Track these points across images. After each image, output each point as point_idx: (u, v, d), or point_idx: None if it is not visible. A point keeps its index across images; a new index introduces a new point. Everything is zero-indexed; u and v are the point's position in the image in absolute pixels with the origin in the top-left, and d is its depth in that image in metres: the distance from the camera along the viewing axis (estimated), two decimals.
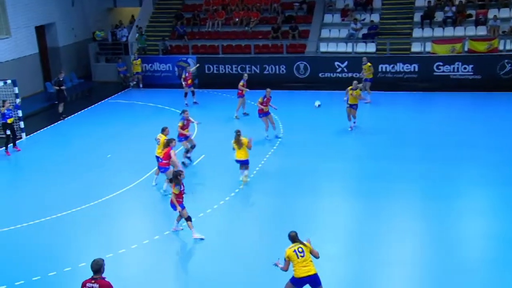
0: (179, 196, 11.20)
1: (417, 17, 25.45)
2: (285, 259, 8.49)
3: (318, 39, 25.83)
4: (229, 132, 15.39)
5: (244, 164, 13.89)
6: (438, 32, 24.66)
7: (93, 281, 7.61)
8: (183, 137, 15.16)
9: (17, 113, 17.96)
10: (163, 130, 13.88)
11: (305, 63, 24.76)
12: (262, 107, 17.00)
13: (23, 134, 18.41)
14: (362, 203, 12.85)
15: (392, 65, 23.85)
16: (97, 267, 7.67)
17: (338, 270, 10.16)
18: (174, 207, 11.32)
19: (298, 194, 13.43)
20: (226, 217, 12.54)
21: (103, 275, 7.66)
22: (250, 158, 13.98)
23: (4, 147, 16.71)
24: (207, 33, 27.33)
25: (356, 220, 12.16)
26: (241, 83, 19.36)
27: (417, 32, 24.94)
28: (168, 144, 13.08)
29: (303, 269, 8.31)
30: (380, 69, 23.89)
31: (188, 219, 11.29)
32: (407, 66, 23.71)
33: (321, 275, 8.55)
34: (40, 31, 25.34)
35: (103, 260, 7.74)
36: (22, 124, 18.34)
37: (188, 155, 15.17)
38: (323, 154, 16.04)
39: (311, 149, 16.48)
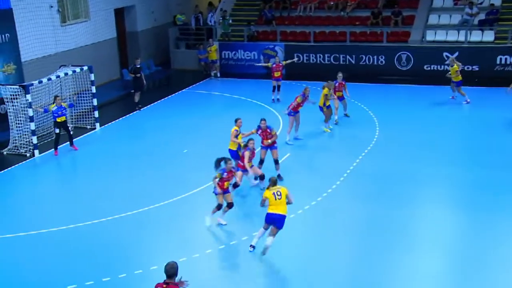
0: (221, 181, 12.00)
1: None
2: (263, 198, 10.95)
3: (425, 26, 25.00)
4: (317, 131, 15.24)
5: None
6: None
7: (165, 286, 7.80)
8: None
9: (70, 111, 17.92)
10: (236, 121, 14.05)
11: (408, 53, 24.07)
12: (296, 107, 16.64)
13: (97, 125, 19.28)
14: (469, 216, 12.39)
15: None
16: (172, 271, 7.83)
17: None
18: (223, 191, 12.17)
19: (393, 201, 13.16)
20: (312, 223, 12.50)
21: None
22: (345, 157, 13.63)
23: (68, 143, 17.16)
24: (298, 18, 27.28)
25: (461, 236, 11.73)
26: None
27: None
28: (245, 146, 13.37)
29: (275, 207, 10.78)
30: (498, 61, 22.70)
31: (219, 207, 12.15)
32: None
33: None
34: (119, 14, 26.47)
35: (177, 264, 7.90)
36: (96, 114, 19.21)
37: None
38: (425, 157, 15.63)
39: (411, 151, 16.11)
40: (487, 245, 11.20)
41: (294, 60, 23.24)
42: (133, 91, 21.47)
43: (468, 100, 20.10)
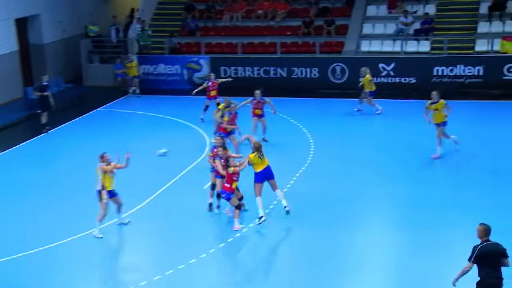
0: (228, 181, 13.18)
1: (483, 8, 25.18)
2: (248, 162, 13.15)
3: (359, 36, 25.70)
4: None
5: None
6: (509, 26, 24.33)
7: None
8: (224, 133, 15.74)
9: None
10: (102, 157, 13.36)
11: (342, 65, 24.62)
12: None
13: None
14: (408, 235, 12.76)
15: (450, 68, 23.55)
16: None
17: None
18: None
19: (334, 223, 13.35)
20: (244, 251, 12.56)
21: None
22: (278, 178, 13.79)
23: None
24: (224, 28, 27.43)
25: (402, 255, 12.03)
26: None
27: (483, 27, 24.64)
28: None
29: (261, 166, 13.19)
30: (435, 73, 23.62)
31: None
32: (470, 69, 23.40)
33: None
34: (21, 24, 25.71)
35: None
36: None
37: None
38: (362, 175, 15.95)
39: (348, 169, 16.40)
40: (429, 263, 11.50)
41: (229, 79, 22.42)
42: (39, 111, 20.84)
43: (380, 110, 20.86)
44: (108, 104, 24.13)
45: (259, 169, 13.30)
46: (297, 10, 27.43)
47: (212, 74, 21.84)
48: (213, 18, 27.90)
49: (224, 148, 13.64)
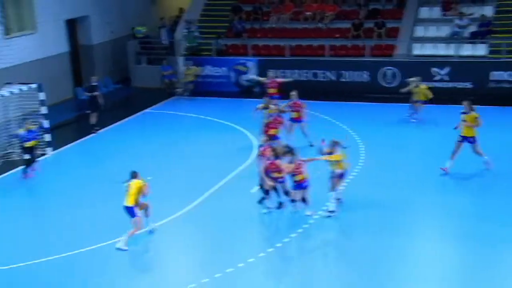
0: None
1: None
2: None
3: (411, 38, 25.48)
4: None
5: None
6: None
7: None
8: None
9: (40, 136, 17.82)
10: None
11: (393, 69, 24.47)
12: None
13: (49, 150, 19.04)
14: (471, 249, 12.55)
15: (509, 72, 23.22)
16: None
17: None
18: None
19: (384, 231, 13.28)
20: (297, 256, 12.71)
21: None
22: (322, 186, 13.82)
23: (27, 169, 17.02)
24: (271, 30, 27.55)
25: (462, 270, 11.86)
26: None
27: None
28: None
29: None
30: (492, 77, 23.27)
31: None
32: None
33: None
34: (72, 26, 26.37)
35: None
36: (48, 138, 18.98)
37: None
38: (417, 183, 15.83)
39: (399, 176, 16.29)
40: (488, 281, 11.34)
41: (290, 79, 22.50)
42: (89, 112, 21.32)
43: (417, 120, 20.68)
44: (155, 106, 24.52)
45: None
46: (346, 12, 27.33)
47: (271, 72, 21.91)
48: (260, 19, 28.04)
49: (275, 154, 13.89)
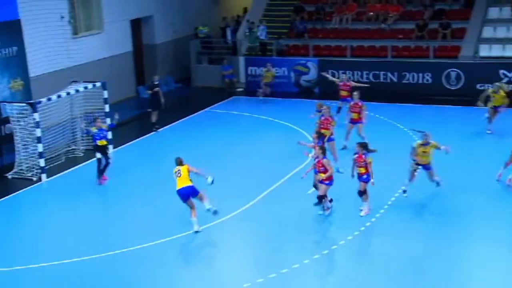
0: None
1: None
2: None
3: (478, 40, 25.05)
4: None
5: None
6: None
7: None
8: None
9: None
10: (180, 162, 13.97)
11: (458, 71, 24.09)
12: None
13: (110, 147, 19.62)
14: None
15: None
16: None
17: None
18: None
19: (444, 237, 13.19)
20: (346, 262, 12.64)
21: None
22: (386, 187, 13.70)
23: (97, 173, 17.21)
24: (333, 31, 27.56)
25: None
26: None
27: None
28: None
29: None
30: None
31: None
32: None
33: None
34: (136, 25, 27.08)
35: None
36: (109, 135, 19.56)
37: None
38: (480, 187, 15.62)
39: (460, 181, 16.04)
40: None
41: (366, 85, 21.61)
42: (150, 110, 21.83)
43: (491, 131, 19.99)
44: (215, 105, 24.90)
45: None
46: (410, 12, 27.09)
47: (344, 74, 21.89)
48: (322, 20, 28.08)
49: (323, 152, 14.03)
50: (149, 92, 21.87)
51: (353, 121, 18.48)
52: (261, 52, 27.23)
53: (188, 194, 13.57)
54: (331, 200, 14.38)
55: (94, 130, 16.88)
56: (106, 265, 12.61)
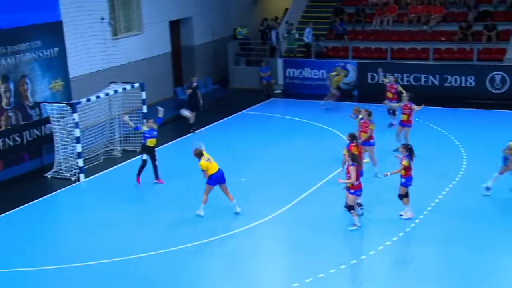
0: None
1: None
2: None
3: None
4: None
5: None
6: None
7: None
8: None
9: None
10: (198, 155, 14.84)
11: (503, 74, 23.70)
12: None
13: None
14: None
15: None
16: None
17: None
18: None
19: (485, 245, 13.01)
20: (382, 270, 12.54)
21: None
22: (425, 192, 13.57)
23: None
24: (373, 33, 27.38)
25: None
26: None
27: None
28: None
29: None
30: None
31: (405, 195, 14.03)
32: None
33: None
34: (175, 27, 27.34)
35: None
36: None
37: None
38: None
39: (507, 185, 15.70)
40: None
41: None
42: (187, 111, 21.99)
43: None
44: (252, 107, 24.96)
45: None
46: (454, 14, 26.75)
47: (391, 75, 21.60)
48: (363, 21, 27.93)
49: (352, 159, 13.74)
50: (190, 90, 21.99)
51: (402, 123, 18.26)
52: (305, 55, 27.17)
53: (223, 175, 14.53)
54: (361, 207, 14.20)
55: (145, 128, 17.02)
56: (146, 266, 12.72)
